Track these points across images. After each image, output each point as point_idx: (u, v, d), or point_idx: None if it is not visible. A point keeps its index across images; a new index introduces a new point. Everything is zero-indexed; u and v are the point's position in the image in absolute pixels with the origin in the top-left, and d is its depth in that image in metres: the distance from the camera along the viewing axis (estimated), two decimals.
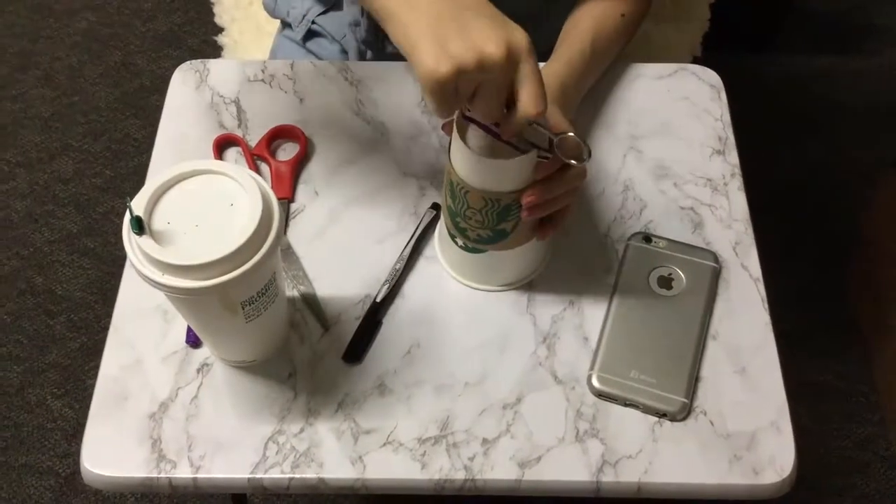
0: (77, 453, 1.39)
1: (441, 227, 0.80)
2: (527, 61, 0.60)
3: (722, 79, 0.93)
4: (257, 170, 0.86)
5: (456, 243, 0.76)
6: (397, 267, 0.78)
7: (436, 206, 0.83)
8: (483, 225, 0.73)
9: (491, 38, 0.58)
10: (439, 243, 0.81)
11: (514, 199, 0.70)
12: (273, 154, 0.87)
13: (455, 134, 0.69)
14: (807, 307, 1.52)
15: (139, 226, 0.60)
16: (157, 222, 0.62)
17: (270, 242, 0.62)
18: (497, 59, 0.58)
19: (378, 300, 0.77)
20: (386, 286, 0.77)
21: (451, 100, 0.60)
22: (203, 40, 1.92)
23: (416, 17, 0.59)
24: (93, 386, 0.73)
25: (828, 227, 1.64)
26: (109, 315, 0.77)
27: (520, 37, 0.60)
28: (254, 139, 0.88)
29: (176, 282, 0.60)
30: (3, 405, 1.45)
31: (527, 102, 0.61)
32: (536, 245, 0.76)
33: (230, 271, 0.60)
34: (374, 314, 0.76)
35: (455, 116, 0.69)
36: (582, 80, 0.84)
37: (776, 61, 1.86)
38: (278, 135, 0.88)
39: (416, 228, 0.81)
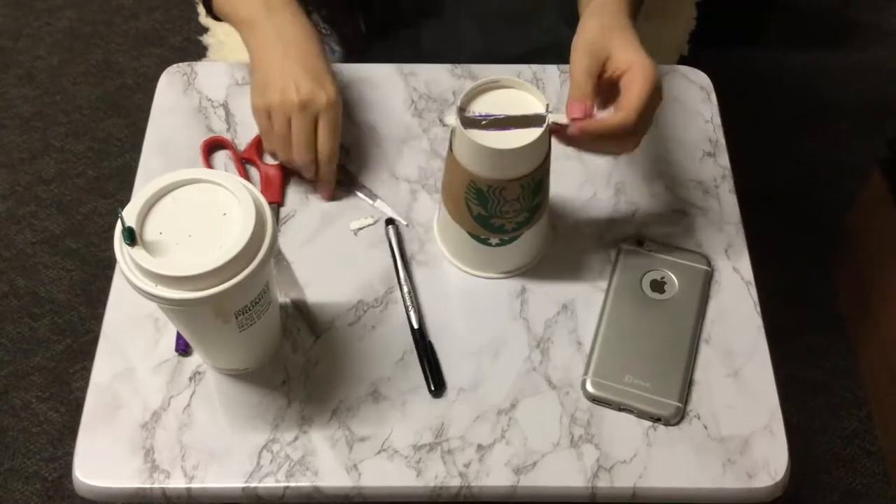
0: (63, 457, 1.39)
1: (441, 222, 0.80)
2: (324, 115, 0.79)
3: (708, 75, 0.93)
4: (246, 173, 0.85)
5: (490, 245, 0.76)
6: (406, 290, 0.78)
7: (389, 221, 0.82)
8: (521, 209, 0.73)
9: (299, 90, 0.78)
10: (440, 234, 0.81)
11: (545, 168, 0.72)
12: (262, 157, 0.86)
13: (478, 144, 0.68)
14: (793, 303, 1.53)
15: (131, 237, 0.60)
16: (150, 233, 0.61)
17: (264, 252, 0.61)
18: (295, 105, 0.78)
19: (416, 327, 0.76)
20: (413, 312, 0.76)
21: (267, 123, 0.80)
22: (186, 38, 1.91)
23: (262, 56, 0.81)
24: (78, 389, 0.73)
25: (815, 222, 1.65)
26: (94, 317, 0.76)
27: (322, 96, 0.78)
28: (242, 142, 0.87)
29: (169, 293, 0.59)
30: None
31: (321, 145, 0.80)
32: (537, 231, 0.77)
33: (224, 282, 0.60)
34: (423, 339, 0.75)
35: (456, 131, 0.70)
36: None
37: (762, 58, 1.87)
38: None
39: (392, 250, 0.80)
